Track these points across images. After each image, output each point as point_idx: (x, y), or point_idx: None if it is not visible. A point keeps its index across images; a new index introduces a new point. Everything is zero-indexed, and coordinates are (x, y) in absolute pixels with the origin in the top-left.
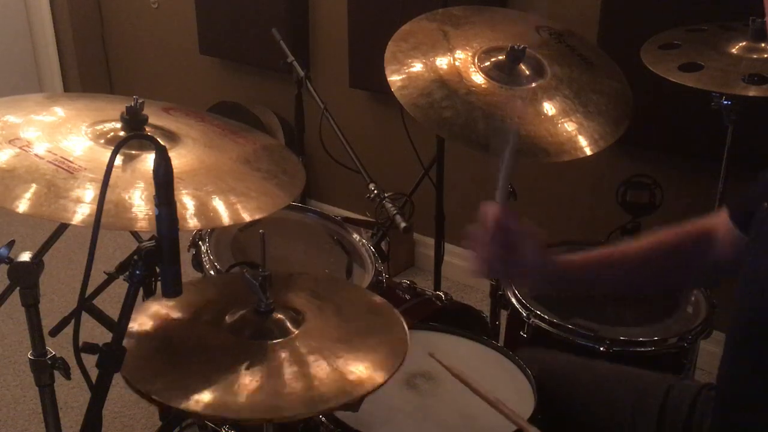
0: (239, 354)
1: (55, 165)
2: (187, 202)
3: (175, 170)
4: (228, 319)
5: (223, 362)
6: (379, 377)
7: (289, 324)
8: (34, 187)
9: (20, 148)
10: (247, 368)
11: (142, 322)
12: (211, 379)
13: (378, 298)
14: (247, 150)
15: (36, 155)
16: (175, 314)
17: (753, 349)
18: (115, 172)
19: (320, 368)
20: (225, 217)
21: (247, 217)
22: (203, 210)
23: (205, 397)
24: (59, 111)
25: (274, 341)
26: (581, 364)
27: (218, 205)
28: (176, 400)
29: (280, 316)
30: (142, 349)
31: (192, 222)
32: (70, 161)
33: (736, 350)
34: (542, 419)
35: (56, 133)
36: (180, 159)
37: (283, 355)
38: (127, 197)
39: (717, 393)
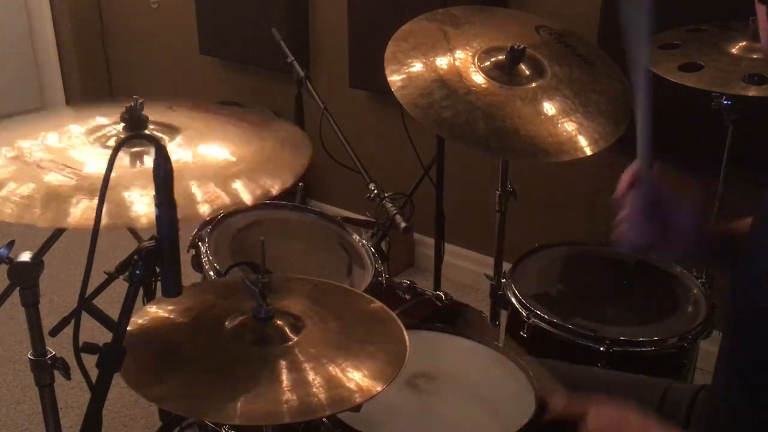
0: (238, 360)
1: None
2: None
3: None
4: (228, 324)
5: (223, 368)
6: (377, 385)
7: (288, 330)
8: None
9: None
10: (246, 374)
11: (142, 326)
12: (210, 385)
13: (378, 304)
14: (251, 132)
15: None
16: (175, 319)
17: (744, 343)
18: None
19: (319, 376)
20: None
21: (272, 190)
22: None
23: (204, 402)
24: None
25: (274, 347)
26: (579, 372)
27: (238, 187)
28: (175, 405)
29: (279, 322)
30: (142, 354)
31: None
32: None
33: (729, 346)
34: (542, 423)
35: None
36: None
37: (282, 361)
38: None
39: (711, 391)
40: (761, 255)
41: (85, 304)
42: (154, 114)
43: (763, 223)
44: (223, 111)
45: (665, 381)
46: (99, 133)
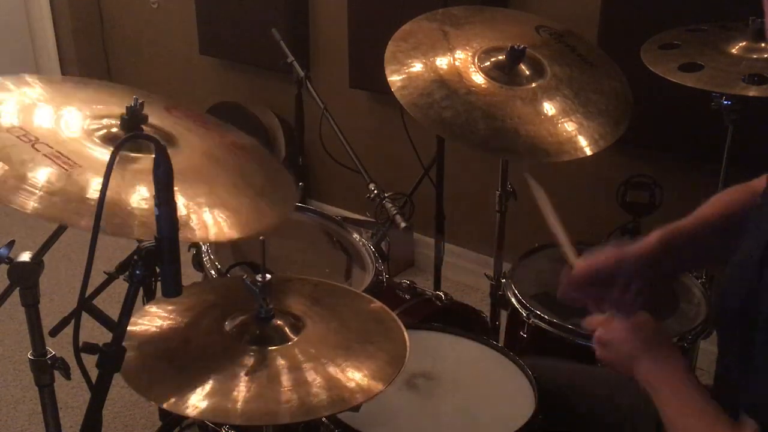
0: (239, 360)
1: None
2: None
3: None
4: (228, 324)
5: (223, 368)
6: (377, 385)
7: (288, 330)
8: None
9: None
10: (246, 374)
11: (142, 326)
12: (210, 385)
13: (378, 304)
14: (243, 163)
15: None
16: (175, 319)
17: (722, 343)
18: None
19: (318, 376)
20: (211, 233)
21: (234, 235)
22: (189, 222)
23: (204, 402)
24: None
25: (274, 347)
26: (580, 372)
27: (207, 218)
28: (175, 404)
29: (279, 322)
30: (142, 353)
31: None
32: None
33: (721, 343)
34: (543, 421)
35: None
36: (176, 166)
37: (282, 361)
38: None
39: (711, 392)
40: (734, 257)
41: (85, 304)
42: (151, 116)
43: (748, 225)
44: (219, 128)
45: None
46: (99, 133)
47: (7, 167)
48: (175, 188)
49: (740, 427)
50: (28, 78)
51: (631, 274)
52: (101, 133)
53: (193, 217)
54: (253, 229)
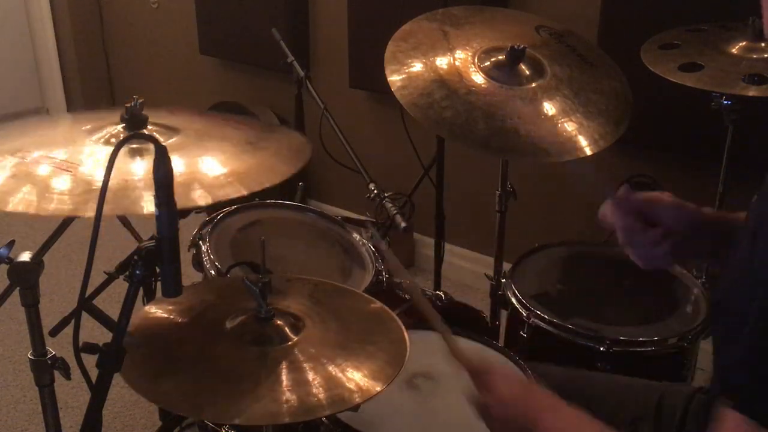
0: (239, 360)
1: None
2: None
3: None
4: (228, 324)
5: (223, 368)
6: (377, 385)
7: (288, 330)
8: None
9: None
10: (246, 374)
11: (142, 326)
12: (210, 385)
13: (378, 304)
14: (250, 134)
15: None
16: (175, 319)
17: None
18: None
19: (319, 376)
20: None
21: (256, 186)
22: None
23: (204, 402)
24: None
25: (274, 348)
26: (576, 376)
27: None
28: (175, 405)
29: (279, 322)
30: (143, 354)
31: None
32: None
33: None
34: None
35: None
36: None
37: (282, 361)
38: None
39: (709, 393)
40: (736, 254)
41: (85, 304)
42: (152, 116)
43: (750, 223)
44: (220, 118)
45: (662, 384)
46: (99, 134)
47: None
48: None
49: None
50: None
51: (676, 223)
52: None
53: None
54: (277, 177)
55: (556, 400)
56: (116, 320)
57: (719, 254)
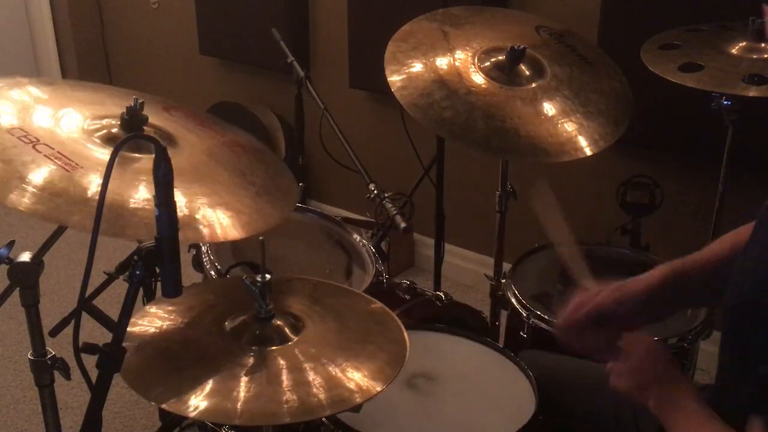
0: (239, 360)
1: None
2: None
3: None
4: (228, 324)
5: (223, 368)
6: (377, 386)
7: (288, 331)
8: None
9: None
10: (246, 374)
11: (142, 326)
12: (210, 385)
13: (378, 304)
14: (243, 161)
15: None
16: (176, 319)
17: (737, 341)
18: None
19: (318, 376)
20: (213, 233)
21: (236, 234)
22: (191, 222)
23: (204, 402)
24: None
25: (274, 348)
26: (583, 367)
27: (209, 218)
28: (175, 405)
29: (279, 322)
30: (143, 354)
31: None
32: (68, 158)
33: (725, 344)
34: (544, 421)
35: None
36: (176, 165)
37: (282, 362)
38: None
39: (712, 392)
40: (756, 250)
41: (85, 304)
42: (151, 116)
43: (762, 221)
44: (218, 126)
45: None
46: (99, 133)
47: (7, 168)
48: (176, 188)
49: None
50: (22, 80)
51: (633, 313)
52: (101, 133)
53: (195, 216)
54: (254, 229)
55: (671, 376)
56: (116, 320)
57: (711, 289)
